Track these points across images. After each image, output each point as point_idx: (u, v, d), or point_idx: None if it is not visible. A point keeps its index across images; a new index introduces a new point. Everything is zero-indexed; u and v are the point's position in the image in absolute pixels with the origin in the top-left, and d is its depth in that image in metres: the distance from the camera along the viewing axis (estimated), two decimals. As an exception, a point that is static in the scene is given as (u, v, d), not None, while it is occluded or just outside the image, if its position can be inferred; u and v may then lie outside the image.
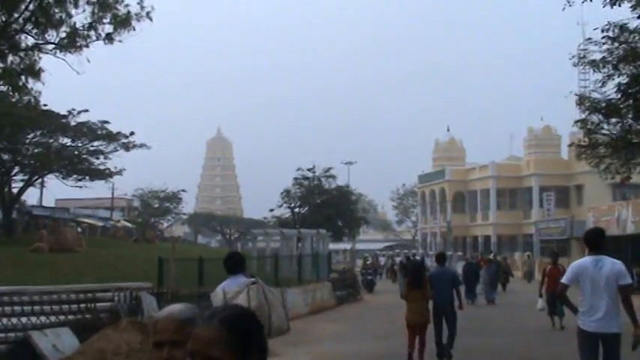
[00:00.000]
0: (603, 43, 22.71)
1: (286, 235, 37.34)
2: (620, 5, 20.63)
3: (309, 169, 55.90)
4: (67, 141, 46.51)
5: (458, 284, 15.01)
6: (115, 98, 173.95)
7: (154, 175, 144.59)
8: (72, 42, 21.65)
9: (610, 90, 23.66)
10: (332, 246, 53.10)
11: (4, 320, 13.81)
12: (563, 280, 8.17)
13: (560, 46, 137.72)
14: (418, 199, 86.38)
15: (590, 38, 23.75)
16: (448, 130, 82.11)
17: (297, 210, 55.68)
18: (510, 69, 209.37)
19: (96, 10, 21.88)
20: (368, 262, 47.62)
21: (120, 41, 22.38)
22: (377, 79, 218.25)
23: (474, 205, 72.40)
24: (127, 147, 48.28)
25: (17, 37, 21.59)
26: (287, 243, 36.43)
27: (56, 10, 21.17)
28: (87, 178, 48.98)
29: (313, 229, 41.02)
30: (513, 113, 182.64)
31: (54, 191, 71.64)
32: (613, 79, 23.31)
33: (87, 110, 45.31)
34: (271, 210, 56.67)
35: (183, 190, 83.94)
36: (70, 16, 21.60)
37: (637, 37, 22.28)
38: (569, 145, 41.32)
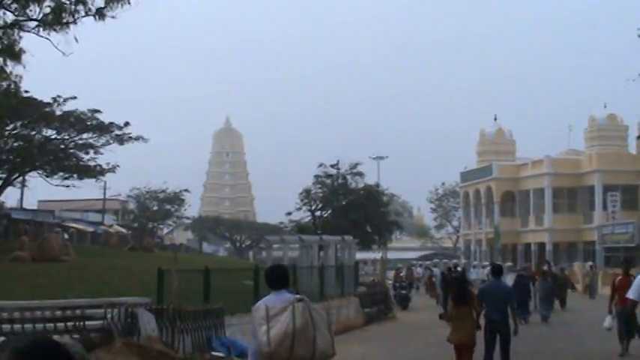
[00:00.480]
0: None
1: (306, 242, 37.37)
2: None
3: (332, 166, 56.31)
4: (51, 133, 46.88)
5: (513, 301, 15.30)
6: (107, 84, 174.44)
7: (152, 173, 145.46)
8: (57, 18, 21.68)
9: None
10: (359, 255, 53.02)
11: (-21, 341, 13.84)
12: (631, 295, 8.07)
13: (625, 21, 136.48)
14: (460, 201, 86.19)
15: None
16: (495, 119, 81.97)
17: (318, 213, 55.87)
18: (567, 48, 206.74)
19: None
20: (401, 274, 47.51)
21: (113, 17, 22.45)
22: (410, 56, 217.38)
23: (526, 207, 72.06)
24: (120, 140, 48.58)
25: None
26: (307, 252, 36.43)
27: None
28: (75, 176, 49.33)
29: (337, 235, 41.15)
30: (572, 99, 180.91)
31: (36, 191, 72.01)
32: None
33: (74, 97, 45.71)
34: (289, 213, 57.00)
35: (186, 190, 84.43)
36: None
37: None
38: (639, 138, 41.06)
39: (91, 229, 69.51)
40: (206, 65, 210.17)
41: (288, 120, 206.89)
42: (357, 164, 56.64)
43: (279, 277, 7.68)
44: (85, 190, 58.63)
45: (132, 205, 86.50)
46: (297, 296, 7.24)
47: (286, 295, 7.37)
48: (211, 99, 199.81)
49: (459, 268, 40.94)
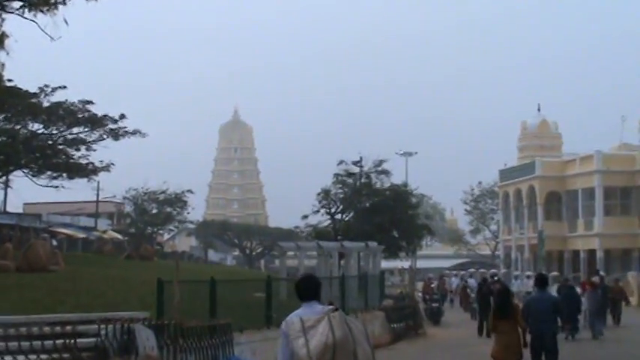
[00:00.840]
0: None
1: (325, 249, 37.30)
2: None
3: (354, 163, 56.23)
4: (38, 127, 47.16)
5: (561, 313, 15.68)
6: (101, 72, 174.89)
7: (151, 172, 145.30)
8: (44, -2, 21.77)
9: None
10: (385, 264, 53.07)
11: (-42, 361, 13.89)
12: None
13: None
14: (499, 202, 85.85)
15: None
16: (539, 109, 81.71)
17: (339, 217, 55.86)
18: (618, 31, 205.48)
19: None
20: (432, 285, 47.40)
21: (106, -3, 22.51)
22: (441, 41, 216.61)
23: (574, 209, 71.68)
24: (115, 135, 48.85)
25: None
26: (326, 260, 36.43)
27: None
28: (64, 175, 49.59)
29: (360, 241, 41.02)
30: (624, 87, 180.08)
31: (22, 193, 72.08)
32: None
33: (64, 87, 45.99)
34: (305, 217, 56.92)
35: (189, 191, 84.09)
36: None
37: None
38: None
39: (82, 235, 69.73)
40: (211, 49, 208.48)
41: (305, 112, 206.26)
42: (382, 161, 56.51)
43: (310, 288, 7.86)
44: (76, 191, 58.76)
45: (128, 208, 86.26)
46: (331, 306, 7.37)
47: (318, 306, 7.55)
48: (217, 88, 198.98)
49: (497, 278, 40.82)
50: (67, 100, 46.30)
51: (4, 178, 51.81)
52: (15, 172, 49.76)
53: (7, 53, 22.37)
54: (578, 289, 33.33)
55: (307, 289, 7.81)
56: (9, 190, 57.96)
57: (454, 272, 70.06)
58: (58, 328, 15.35)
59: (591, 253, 68.55)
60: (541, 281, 16.38)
